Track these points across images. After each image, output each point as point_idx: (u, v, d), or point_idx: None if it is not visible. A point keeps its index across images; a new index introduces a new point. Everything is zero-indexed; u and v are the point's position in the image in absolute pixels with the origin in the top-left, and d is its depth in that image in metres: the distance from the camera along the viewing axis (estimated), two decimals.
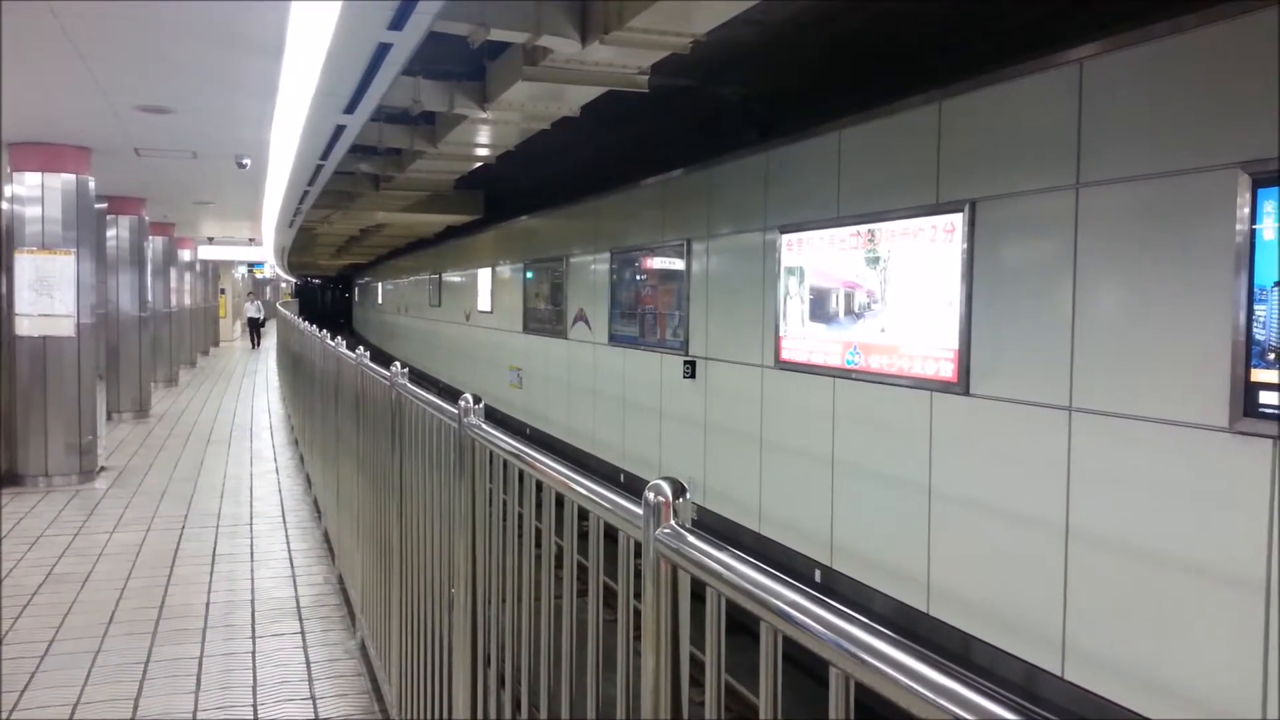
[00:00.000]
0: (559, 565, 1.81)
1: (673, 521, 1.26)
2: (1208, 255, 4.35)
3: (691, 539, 1.21)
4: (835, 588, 7.02)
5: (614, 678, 1.50)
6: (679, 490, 1.26)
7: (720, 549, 1.14)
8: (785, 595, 0.98)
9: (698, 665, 1.23)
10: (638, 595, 1.36)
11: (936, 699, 0.76)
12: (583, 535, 1.65)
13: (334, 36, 4.58)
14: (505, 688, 2.15)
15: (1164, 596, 4.53)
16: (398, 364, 3.49)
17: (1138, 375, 4.69)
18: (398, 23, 4.36)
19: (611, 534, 1.53)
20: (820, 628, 0.92)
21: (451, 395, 2.50)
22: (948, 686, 0.76)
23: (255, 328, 31.75)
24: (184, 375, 18.88)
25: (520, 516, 1.98)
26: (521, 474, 1.97)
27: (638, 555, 1.36)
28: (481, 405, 2.36)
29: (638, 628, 1.37)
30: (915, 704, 0.77)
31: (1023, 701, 0.71)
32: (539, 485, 1.87)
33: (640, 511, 1.31)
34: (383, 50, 4.86)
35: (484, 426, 2.25)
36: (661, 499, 1.26)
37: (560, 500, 1.74)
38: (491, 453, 2.17)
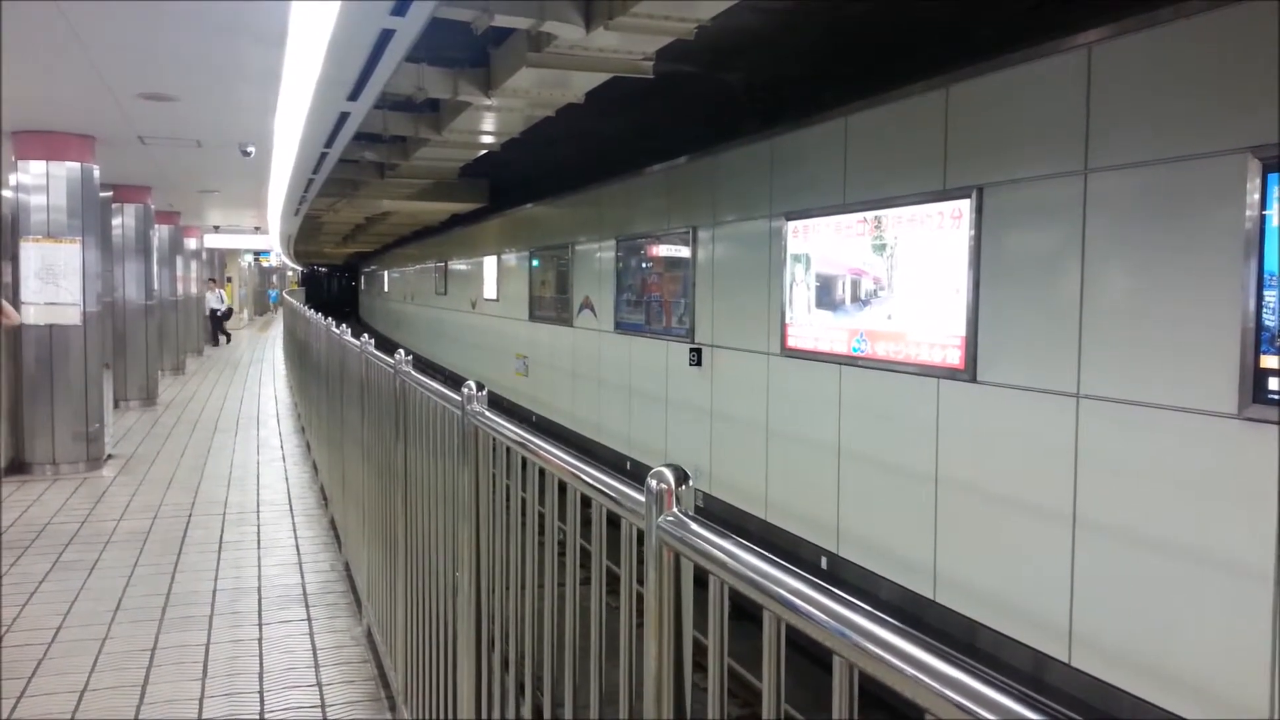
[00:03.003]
0: (562, 551, 1.80)
1: (675, 509, 1.25)
2: (1217, 241, 4.32)
3: (694, 526, 1.19)
4: (841, 575, 7.02)
5: (618, 663, 1.49)
6: (681, 477, 1.25)
7: (723, 536, 1.13)
8: (788, 584, 0.97)
9: (702, 651, 1.22)
10: (641, 581, 1.35)
11: (942, 689, 0.75)
12: (587, 522, 1.64)
13: (336, 23, 4.55)
14: (509, 671, 2.14)
15: (1171, 584, 4.52)
16: (402, 351, 3.48)
17: (1146, 362, 4.67)
18: (400, 9, 4.34)
19: (615, 520, 1.52)
20: (825, 616, 0.91)
21: (457, 383, 2.50)
22: (954, 677, 0.75)
23: (217, 323, 24.96)
24: (191, 363, 18.91)
25: (524, 501, 1.98)
26: (525, 461, 1.96)
27: (640, 543, 1.35)
28: (485, 393, 2.35)
29: (641, 614, 1.36)
30: (920, 694, 0.76)
31: (1029, 691, 0.70)
32: (541, 472, 1.86)
33: (643, 499, 1.30)
34: (385, 37, 4.84)
35: (487, 414, 2.24)
36: (664, 486, 1.25)
37: (563, 487, 1.74)
38: (495, 440, 2.16)
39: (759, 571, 1.03)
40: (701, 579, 1.22)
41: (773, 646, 1.03)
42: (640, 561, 1.34)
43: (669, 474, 1.25)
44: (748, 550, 1.08)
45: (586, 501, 1.61)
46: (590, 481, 1.54)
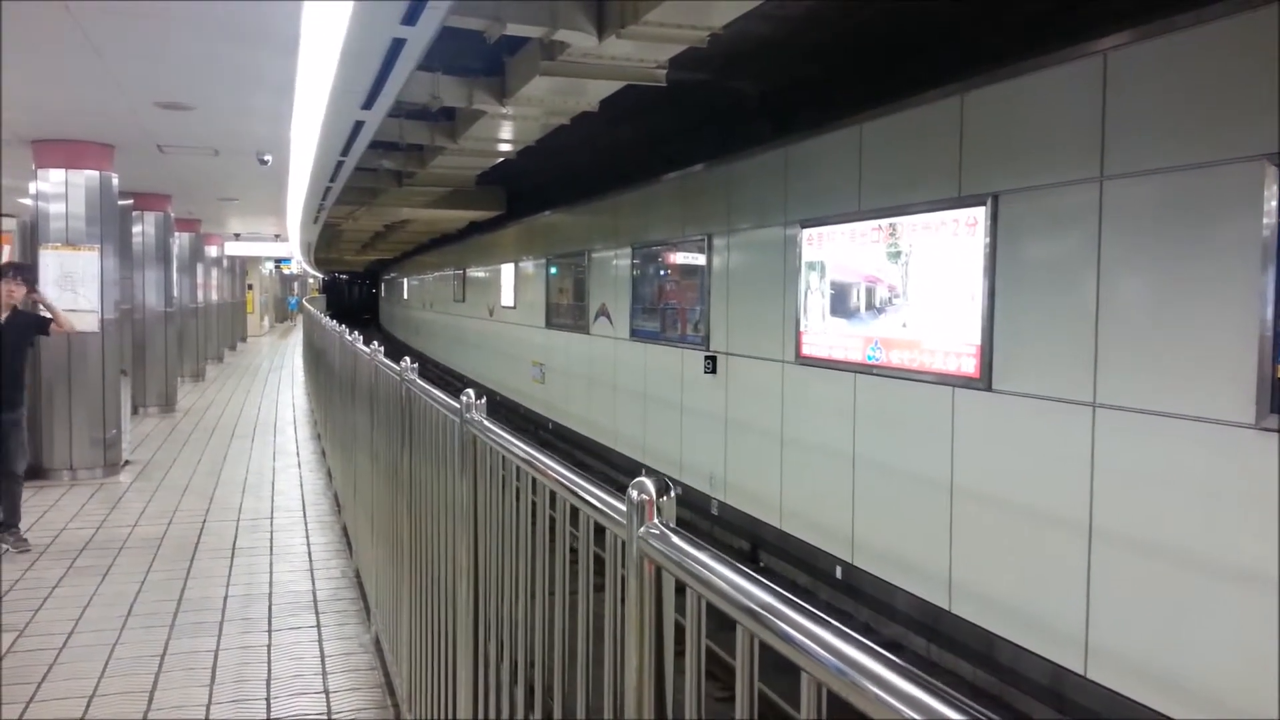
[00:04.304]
0: (553, 533, 1.79)
1: (656, 520, 1.23)
2: (1234, 248, 4.26)
3: (675, 540, 1.17)
4: (856, 584, 6.97)
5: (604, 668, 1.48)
6: (663, 489, 1.23)
7: (701, 549, 1.11)
8: (759, 598, 0.95)
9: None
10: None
11: (904, 709, 0.73)
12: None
13: (348, 32, 4.57)
14: (503, 662, 2.13)
15: (1187, 593, 4.45)
16: (407, 359, 3.48)
17: (1162, 371, 4.61)
18: (410, 18, 4.35)
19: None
20: (795, 633, 0.89)
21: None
22: (919, 699, 0.73)
23: None
24: (211, 370, 19.04)
25: (518, 502, 1.96)
26: (518, 470, 1.95)
27: (624, 553, 1.33)
28: (483, 401, 2.34)
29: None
30: (881, 713, 0.74)
31: (992, 715, 0.68)
32: (535, 481, 1.85)
33: (625, 509, 1.28)
34: (397, 45, 4.85)
35: (485, 422, 2.23)
36: (645, 497, 1.23)
37: (554, 496, 1.73)
38: (490, 449, 2.15)
39: (734, 585, 1.01)
40: (682, 585, 1.20)
41: (746, 660, 1.01)
42: (625, 570, 1.32)
43: (650, 485, 1.24)
44: (724, 563, 1.06)
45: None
46: (577, 491, 1.53)
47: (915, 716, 0.70)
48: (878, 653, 0.79)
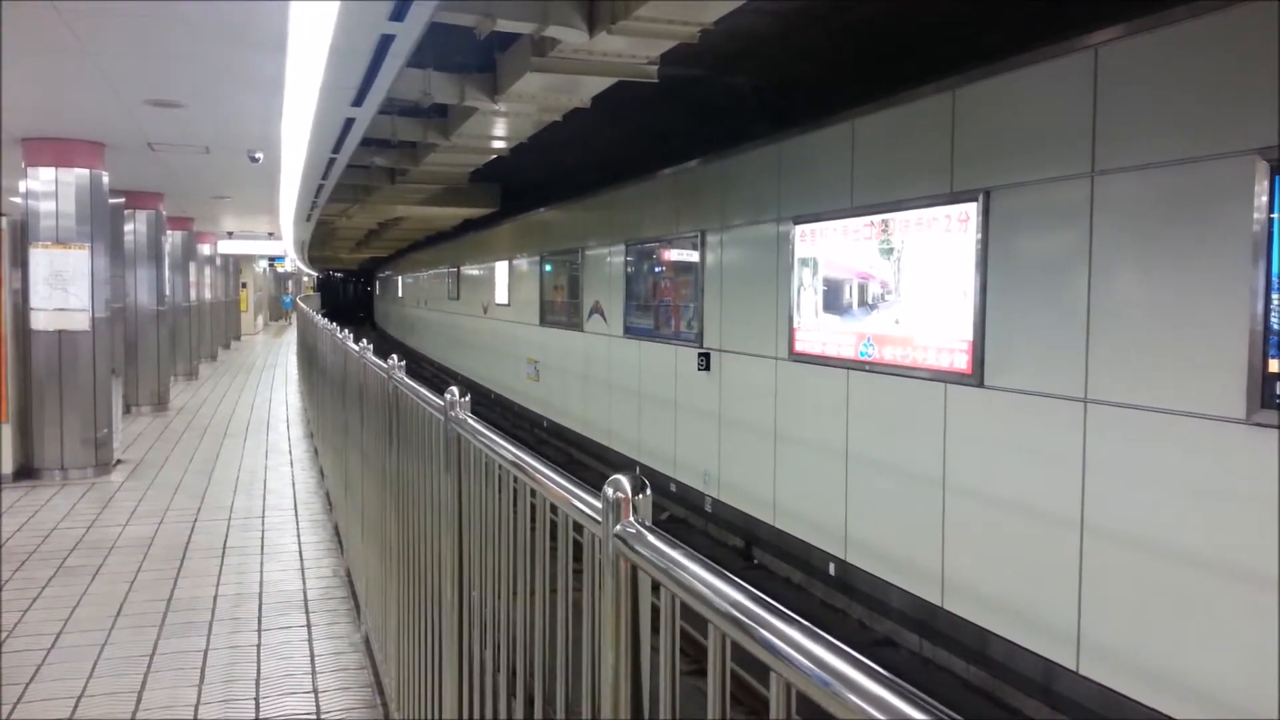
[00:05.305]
0: (533, 526, 1.78)
1: (632, 518, 1.21)
2: (1225, 243, 4.26)
3: (650, 538, 1.16)
4: (850, 581, 6.96)
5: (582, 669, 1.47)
6: (639, 487, 1.22)
7: (675, 547, 1.10)
8: (731, 598, 0.93)
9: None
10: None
11: (873, 711, 0.71)
12: (578, 527, 1.61)
13: (335, 29, 4.54)
14: (487, 648, 2.12)
15: (1180, 590, 4.45)
16: (394, 357, 3.46)
17: (1154, 366, 4.61)
18: (398, 14, 4.32)
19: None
20: (766, 634, 0.87)
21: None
22: (884, 699, 0.71)
23: None
24: (204, 369, 18.98)
25: (500, 482, 1.95)
26: (501, 466, 1.94)
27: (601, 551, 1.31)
28: (468, 398, 2.32)
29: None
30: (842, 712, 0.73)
31: (955, 716, 0.66)
32: (516, 479, 1.84)
33: (601, 506, 1.27)
34: (386, 42, 4.82)
35: (469, 420, 2.22)
36: (621, 495, 1.22)
37: (535, 494, 1.71)
38: (473, 447, 2.14)
39: (706, 584, 0.99)
40: (658, 583, 1.18)
41: (718, 659, 0.99)
42: (601, 568, 1.31)
43: (626, 482, 1.22)
44: (698, 562, 1.04)
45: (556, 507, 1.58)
46: (555, 488, 1.51)
47: (881, 717, 0.69)
48: (850, 656, 0.77)
